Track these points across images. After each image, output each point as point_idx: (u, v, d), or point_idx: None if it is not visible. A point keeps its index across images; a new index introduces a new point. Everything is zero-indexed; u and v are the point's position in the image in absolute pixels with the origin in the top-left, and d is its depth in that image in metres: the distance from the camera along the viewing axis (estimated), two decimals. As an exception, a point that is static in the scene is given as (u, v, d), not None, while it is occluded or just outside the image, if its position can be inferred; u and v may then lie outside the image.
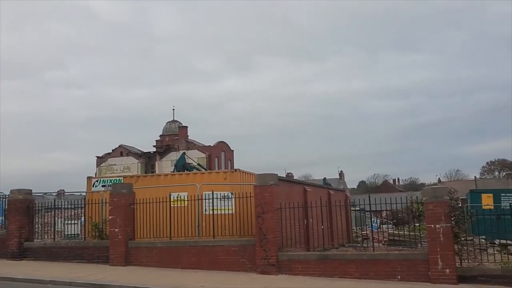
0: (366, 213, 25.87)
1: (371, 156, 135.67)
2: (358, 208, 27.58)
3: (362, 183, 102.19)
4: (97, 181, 18.72)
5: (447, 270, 11.34)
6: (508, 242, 16.18)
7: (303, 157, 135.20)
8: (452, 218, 11.72)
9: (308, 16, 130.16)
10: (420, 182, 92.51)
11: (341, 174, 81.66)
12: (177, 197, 15.15)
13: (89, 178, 18.80)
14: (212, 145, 53.89)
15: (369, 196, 13.28)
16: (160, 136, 59.66)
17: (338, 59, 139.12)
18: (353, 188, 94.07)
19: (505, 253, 12.94)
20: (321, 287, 11.31)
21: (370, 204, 13.21)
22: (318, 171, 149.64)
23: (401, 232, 18.74)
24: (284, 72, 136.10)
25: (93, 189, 18.06)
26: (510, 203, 16.12)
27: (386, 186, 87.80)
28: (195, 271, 13.51)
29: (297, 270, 12.80)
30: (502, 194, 22.99)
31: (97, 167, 56.83)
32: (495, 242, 16.35)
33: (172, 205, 14.88)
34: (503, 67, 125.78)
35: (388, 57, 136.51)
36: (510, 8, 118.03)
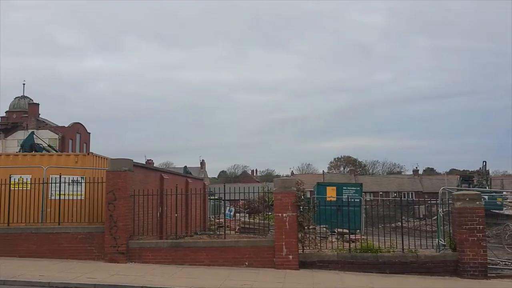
0: (222, 201, 26.47)
1: (234, 147, 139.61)
2: (215, 197, 28.09)
3: (223, 172, 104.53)
4: None
5: (291, 256, 12.11)
6: (345, 231, 17.83)
7: (166, 145, 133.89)
8: (300, 208, 12.54)
9: (182, 5, 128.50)
10: (276, 174, 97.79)
11: (202, 163, 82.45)
12: (18, 180, 13.82)
13: None
14: (66, 126, 50.27)
15: (224, 186, 13.61)
16: (6, 112, 53.88)
17: (209, 49, 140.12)
18: (214, 178, 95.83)
19: (342, 241, 14.21)
20: (168, 274, 11.24)
21: (224, 193, 13.54)
22: (180, 160, 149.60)
23: (254, 221, 19.52)
24: (153, 56, 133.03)
25: None
26: (348, 196, 17.82)
27: (245, 177, 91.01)
28: (35, 259, 12.50)
29: (147, 258, 12.59)
30: (343, 188, 25.24)
31: None
32: (335, 230, 17.85)
33: (12, 188, 13.54)
34: (356, 72, 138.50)
35: (257, 53, 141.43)
36: (368, 18, 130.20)
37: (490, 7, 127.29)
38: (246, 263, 12.31)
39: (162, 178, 17.20)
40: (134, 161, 13.85)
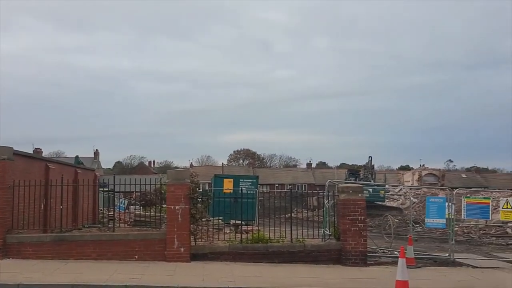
0: (115, 193, 25.49)
1: (133, 137, 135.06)
2: (108, 189, 27.00)
3: (118, 163, 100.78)
4: None
5: (182, 249, 12.01)
6: (238, 222, 18.12)
7: (59, 133, 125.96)
8: (197, 200, 12.48)
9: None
10: (174, 165, 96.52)
11: (96, 153, 78.83)
12: None
13: None
14: None
15: (114, 177, 13.17)
16: None
17: (110, 35, 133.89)
18: (109, 168, 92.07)
19: (235, 233, 14.41)
20: (50, 269, 10.57)
21: (114, 184, 13.08)
22: (73, 149, 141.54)
23: (148, 213, 19.06)
24: (47, 38, 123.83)
25: None
26: (243, 188, 18.10)
27: (141, 168, 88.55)
28: None
29: (27, 253, 11.75)
30: (240, 180, 25.59)
31: None
32: (230, 222, 18.06)
33: None
34: (257, 68, 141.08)
35: (160, 42, 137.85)
36: (271, 15, 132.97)
37: (389, 11, 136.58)
38: (136, 257, 11.99)
39: (47, 168, 16.15)
40: (15, 149, 12.82)
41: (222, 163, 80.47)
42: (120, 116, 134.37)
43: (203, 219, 14.23)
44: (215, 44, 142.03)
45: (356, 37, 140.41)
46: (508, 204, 14.17)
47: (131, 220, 19.52)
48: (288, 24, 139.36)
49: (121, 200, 24.37)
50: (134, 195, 28.14)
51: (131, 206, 25.09)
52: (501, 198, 15.78)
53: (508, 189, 42.09)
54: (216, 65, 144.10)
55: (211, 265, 11.73)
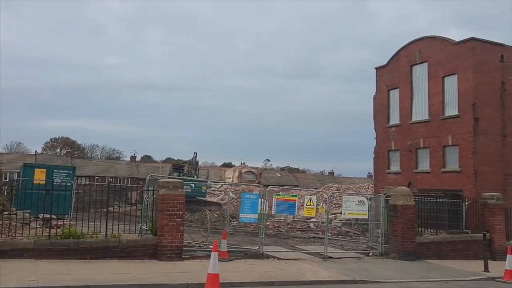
0: None
1: None
2: None
3: None
4: None
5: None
6: (52, 216, 16.74)
7: None
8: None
9: None
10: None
11: None
12: None
13: None
14: None
15: None
16: None
17: None
18: None
19: (45, 227, 13.24)
20: None
21: None
22: None
23: None
24: None
25: None
26: (57, 179, 16.80)
27: None
28: None
29: None
30: (55, 170, 23.64)
31: None
32: (40, 216, 16.58)
33: None
34: (86, 52, 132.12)
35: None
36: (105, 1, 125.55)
37: (229, 12, 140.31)
38: None
39: None
40: None
41: (36, 151, 73.50)
42: None
43: (5, 212, 12.78)
44: (37, 20, 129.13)
45: (192, 34, 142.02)
46: (311, 201, 15.81)
47: None
48: (122, 11, 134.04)
49: None
50: None
51: None
52: (305, 196, 17.54)
53: (313, 188, 47.14)
54: (36, 43, 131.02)
55: (11, 263, 10.56)
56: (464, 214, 19.91)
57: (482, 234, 16.28)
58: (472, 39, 23.48)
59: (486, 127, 23.06)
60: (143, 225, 13.30)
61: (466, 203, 19.98)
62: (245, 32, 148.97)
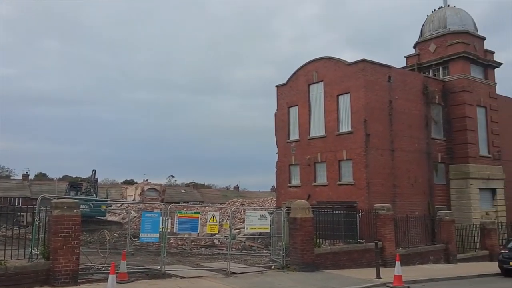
0: None
1: None
2: None
3: None
4: None
5: None
6: None
7: None
8: None
9: None
10: None
11: None
12: None
13: None
14: None
15: None
16: None
17: None
18: None
19: None
20: None
21: None
22: None
23: None
24: None
25: None
26: None
27: None
28: None
29: None
30: None
31: None
32: None
33: None
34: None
35: None
36: None
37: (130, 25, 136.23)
38: None
39: None
40: None
41: None
42: None
43: None
44: None
45: (90, 45, 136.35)
46: (214, 218, 15.82)
47: None
48: (13, 18, 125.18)
49: None
50: None
51: None
52: (208, 212, 17.52)
53: (218, 203, 47.24)
54: None
55: None
56: (358, 224, 21.16)
57: (374, 243, 17.39)
58: (363, 61, 25.31)
59: (376, 143, 24.86)
60: (33, 249, 12.37)
61: (360, 214, 21.27)
62: (149, 45, 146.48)
